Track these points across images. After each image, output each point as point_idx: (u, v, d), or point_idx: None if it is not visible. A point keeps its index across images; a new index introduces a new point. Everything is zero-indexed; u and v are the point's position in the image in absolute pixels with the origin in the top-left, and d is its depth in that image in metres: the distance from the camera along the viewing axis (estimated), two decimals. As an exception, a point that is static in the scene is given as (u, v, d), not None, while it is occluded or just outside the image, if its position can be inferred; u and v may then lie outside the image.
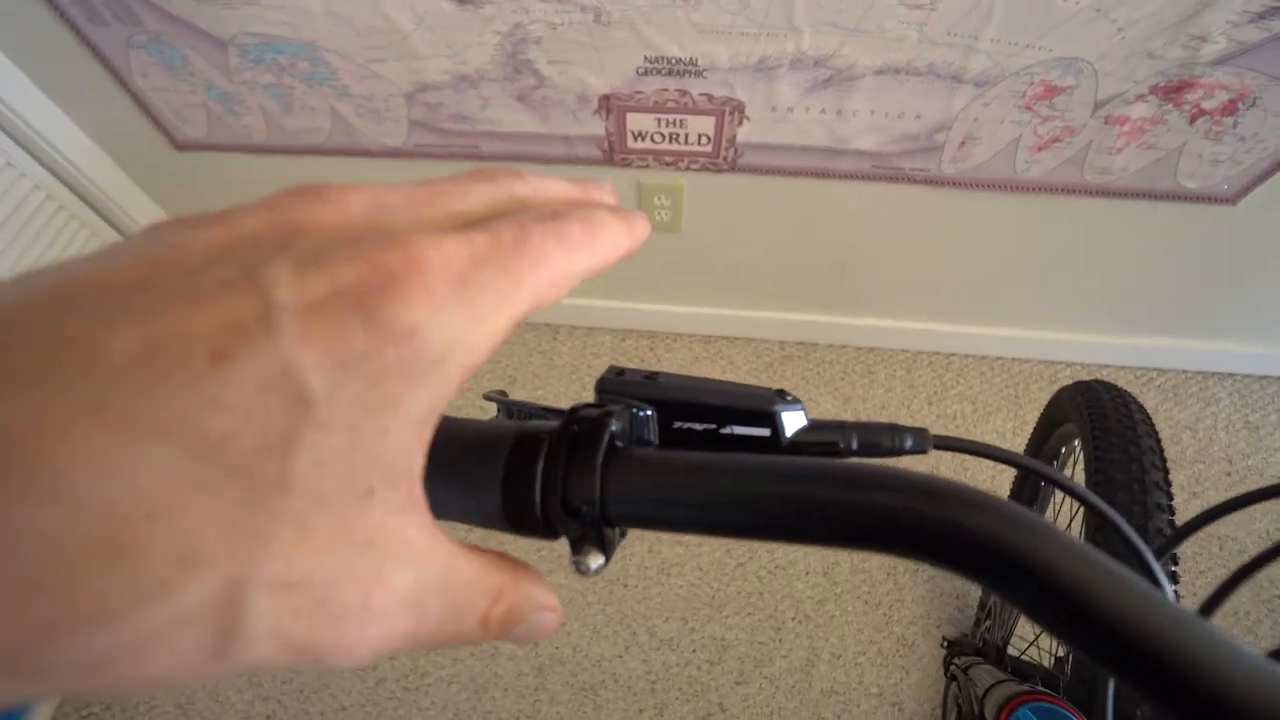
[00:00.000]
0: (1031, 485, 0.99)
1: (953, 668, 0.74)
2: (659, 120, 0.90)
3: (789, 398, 0.25)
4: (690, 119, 0.90)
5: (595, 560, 0.19)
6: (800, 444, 0.24)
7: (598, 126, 0.92)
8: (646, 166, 0.98)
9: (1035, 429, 0.98)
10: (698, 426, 0.24)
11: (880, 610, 1.10)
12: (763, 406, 0.24)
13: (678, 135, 0.92)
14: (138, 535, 0.10)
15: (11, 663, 0.10)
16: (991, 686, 0.56)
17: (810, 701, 1.04)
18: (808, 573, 1.13)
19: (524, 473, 0.19)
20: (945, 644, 0.97)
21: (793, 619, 1.10)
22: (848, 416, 1.33)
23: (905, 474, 0.17)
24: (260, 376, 0.11)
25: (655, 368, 1.30)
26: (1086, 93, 0.78)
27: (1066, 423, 0.84)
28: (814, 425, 0.25)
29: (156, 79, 0.93)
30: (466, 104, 0.91)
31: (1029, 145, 0.87)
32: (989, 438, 1.23)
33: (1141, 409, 0.65)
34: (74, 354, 0.10)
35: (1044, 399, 1.30)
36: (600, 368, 1.45)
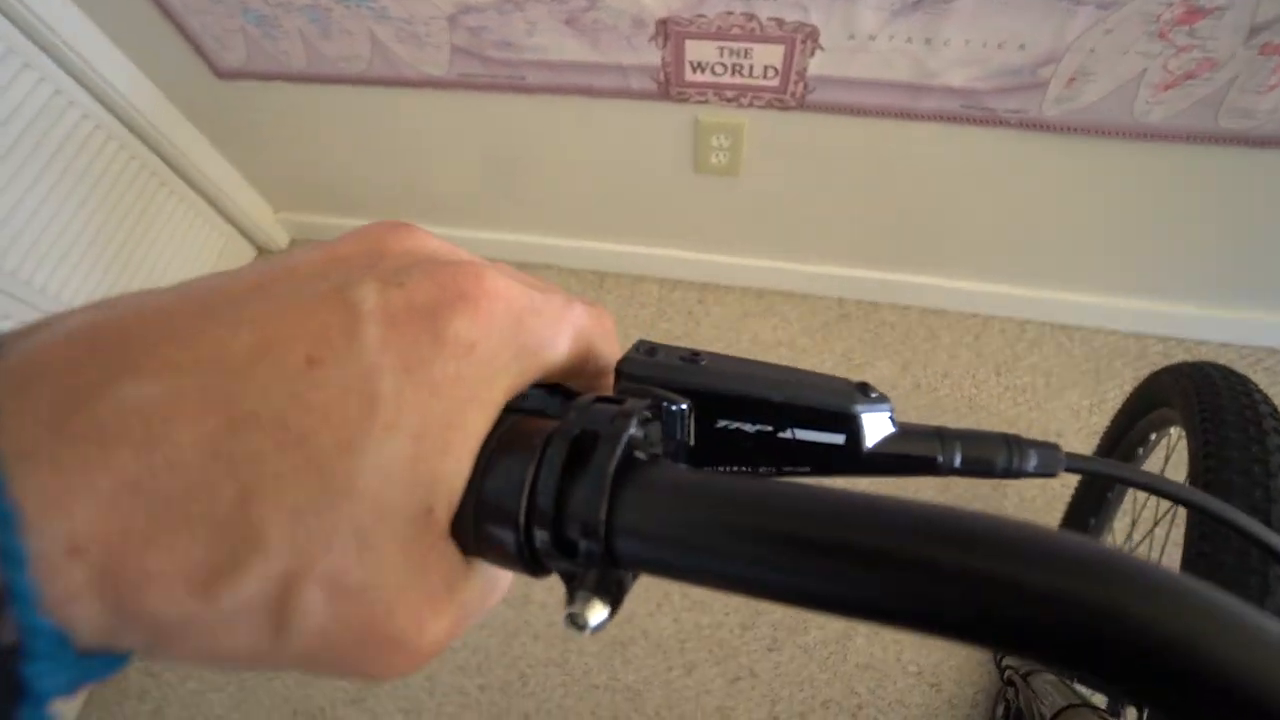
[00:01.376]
0: (1098, 486, 0.90)
1: (1008, 671, 0.69)
2: (721, 49, 0.81)
3: (873, 393, 0.18)
4: (756, 48, 0.80)
5: (596, 613, 0.13)
6: (884, 455, 0.19)
7: (653, 55, 0.83)
8: (705, 102, 0.89)
9: (1121, 411, 0.88)
10: (748, 427, 0.18)
11: (927, 587, 1.05)
12: (841, 406, 0.18)
13: (741, 66, 0.83)
14: (229, 510, 0.12)
15: (115, 606, 0.11)
16: (1063, 710, 0.50)
17: (844, 675, 1.01)
18: (852, 544, 1.08)
19: (504, 488, 0.14)
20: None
21: (832, 589, 1.06)
22: (905, 383, 1.25)
23: (1094, 549, 0.11)
24: (343, 379, 0.13)
25: (703, 321, 1.24)
26: (1242, 14, 0.65)
27: (1163, 408, 0.75)
28: (904, 432, 0.19)
29: (193, 0, 0.89)
30: (512, 28, 0.84)
31: (1155, 82, 0.74)
32: (1061, 414, 1.13)
33: (1268, 400, 0.56)
34: (203, 349, 0.12)
35: (1128, 375, 1.18)
36: (646, 319, 1.39)
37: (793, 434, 0.18)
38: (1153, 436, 0.80)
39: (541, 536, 0.14)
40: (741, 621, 1.05)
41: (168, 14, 0.92)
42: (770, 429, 0.18)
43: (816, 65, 0.81)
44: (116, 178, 1.06)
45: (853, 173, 0.98)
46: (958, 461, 0.19)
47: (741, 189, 1.04)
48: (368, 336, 0.13)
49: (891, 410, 0.19)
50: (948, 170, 0.94)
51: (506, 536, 0.14)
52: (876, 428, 0.18)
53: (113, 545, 0.11)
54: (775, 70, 0.83)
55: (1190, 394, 0.62)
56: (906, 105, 0.84)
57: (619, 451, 0.14)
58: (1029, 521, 0.12)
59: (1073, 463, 0.19)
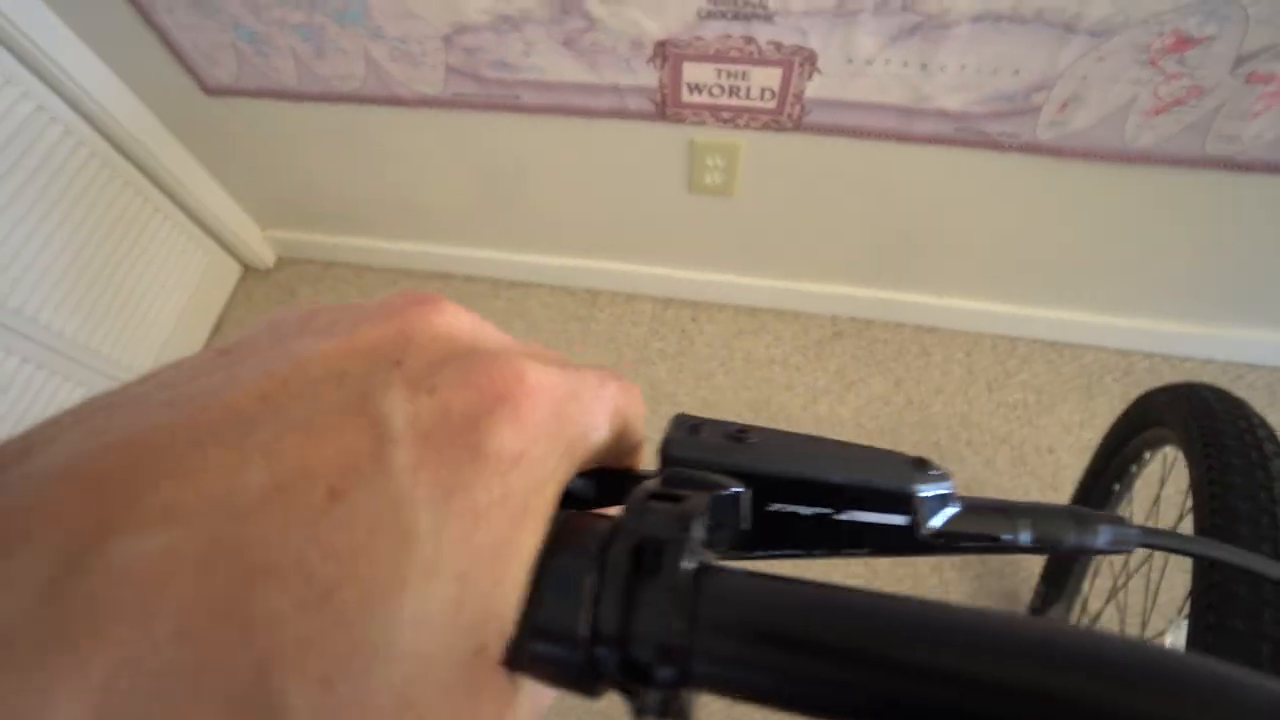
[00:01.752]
0: (1098, 495, 0.90)
1: None
2: (719, 71, 0.82)
3: (933, 470, 0.17)
4: (754, 70, 0.81)
5: None
6: (948, 535, 0.18)
7: (651, 77, 0.84)
8: (701, 123, 0.89)
9: (1113, 429, 0.89)
10: (804, 510, 0.17)
11: (924, 606, 1.05)
12: (900, 486, 0.17)
13: (738, 89, 0.83)
14: (251, 687, 0.10)
15: None
16: None
17: None
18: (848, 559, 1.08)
19: (561, 607, 0.12)
20: None
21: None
22: (898, 399, 1.25)
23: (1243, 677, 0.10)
24: (372, 516, 0.11)
25: (696, 340, 1.23)
26: (1228, 45, 0.67)
27: (1157, 427, 0.76)
28: (969, 508, 0.18)
29: (182, 15, 0.88)
30: (508, 48, 0.83)
31: (1145, 108, 0.76)
32: (1053, 430, 1.14)
33: (1265, 424, 0.57)
34: (209, 487, 0.10)
35: (1117, 391, 1.20)
36: (639, 338, 1.38)
37: (852, 516, 0.17)
38: (1147, 455, 0.81)
39: (607, 658, 0.12)
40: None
41: (154, 28, 0.91)
42: (828, 511, 0.17)
43: (813, 88, 0.81)
44: (98, 195, 1.04)
45: (847, 193, 0.98)
46: (1025, 539, 0.18)
47: (736, 209, 1.04)
48: (398, 460, 0.11)
49: (952, 487, 0.18)
50: (940, 191, 0.95)
51: (566, 658, 0.13)
52: (938, 507, 0.17)
53: None
54: (772, 93, 0.83)
55: (1187, 418, 0.62)
56: (901, 128, 0.85)
57: (684, 564, 0.12)
58: (1145, 643, 0.11)
59: (1149, 539, 0.19)
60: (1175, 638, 0.59)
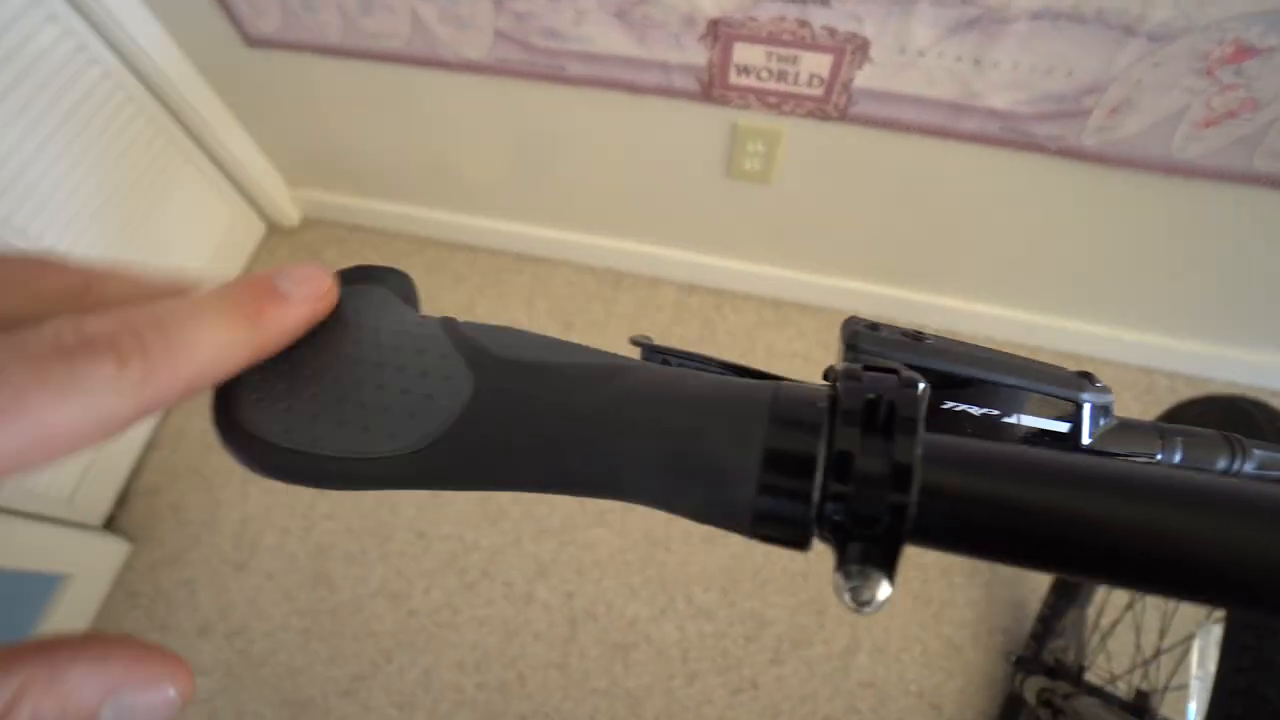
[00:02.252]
0: None
1: (1045, 693, 0.68)
2: (769, 54, 0.81)
3: (1098, 384, 0.18)
4: (805, 55, 0.80)
5: (883, 589, 0.13)
6: (1105, 451, 0.18)
7: (700, 55, 0.83)
8: (746, 106, 0.89)
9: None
10: (974, 410, 0.18)
11: (930, 609, 1.05)
12: (1069, 393, 0.17)
13: (787, 73, 0.83)
14: None
15: None
16: None
17: (846, 691, 1.01)
18: (858, 559, 1.08)
19: (796, 463, 0.13)
20: (1015, 660, 0.91)
21: (836, 604, 1.05)
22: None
23: None
24: None
25: (719, 328, 1.24)
26: (1292, 58, 0.66)
27: (1186, 438, 0.76)
28: (1124, 425, 0.19)
29: (233, -38, 0.87)
30: (559, 16, 0.83)
31: (1195, 119, 0.75)
32: (1069, 442, 1.14)
33: (1308, 436, 0.57)
34: None
35: (1135, 408, 1.20)
36: (662, 322, 1.38)
37: (1018, 419, 0.17)
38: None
39: (831, 511, 0.13)
40: (746, 633, 1.04)
41: (203, -24, 0.90)
42: (995, 412, 0.17)
43: (863, 78, 0.81)
44: (132, 141, 1.03)
45: (883, 188, 0.98)
46: (1177, 458, 0.18)
47: (771, 197, 1.04)
48: None
49: (1113, 402, 0.18)
50: (977, 192, 0.95)
51: (795, 512, 0.13)
52: (1099, 419, 0.18)
53: None
54: (821, 80, 0.83)
55: (1226, 428, 0.62)
56: (946, 124, 0.85)
57: (921, 419, 0.13)
58: None
59: None
60: (1204, 640, 0.59)
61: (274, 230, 1.37)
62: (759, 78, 0.84)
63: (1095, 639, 0.82)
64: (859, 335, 0.17)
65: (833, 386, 0.14)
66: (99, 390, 0.11)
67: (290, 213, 1.33)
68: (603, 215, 1.18)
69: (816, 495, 0.13)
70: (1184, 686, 0.70)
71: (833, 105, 0.86)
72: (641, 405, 0.14)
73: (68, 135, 0.93)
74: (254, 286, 0.14)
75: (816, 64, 0.81)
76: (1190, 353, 1.13)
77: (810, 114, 0.88)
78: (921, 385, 0.13)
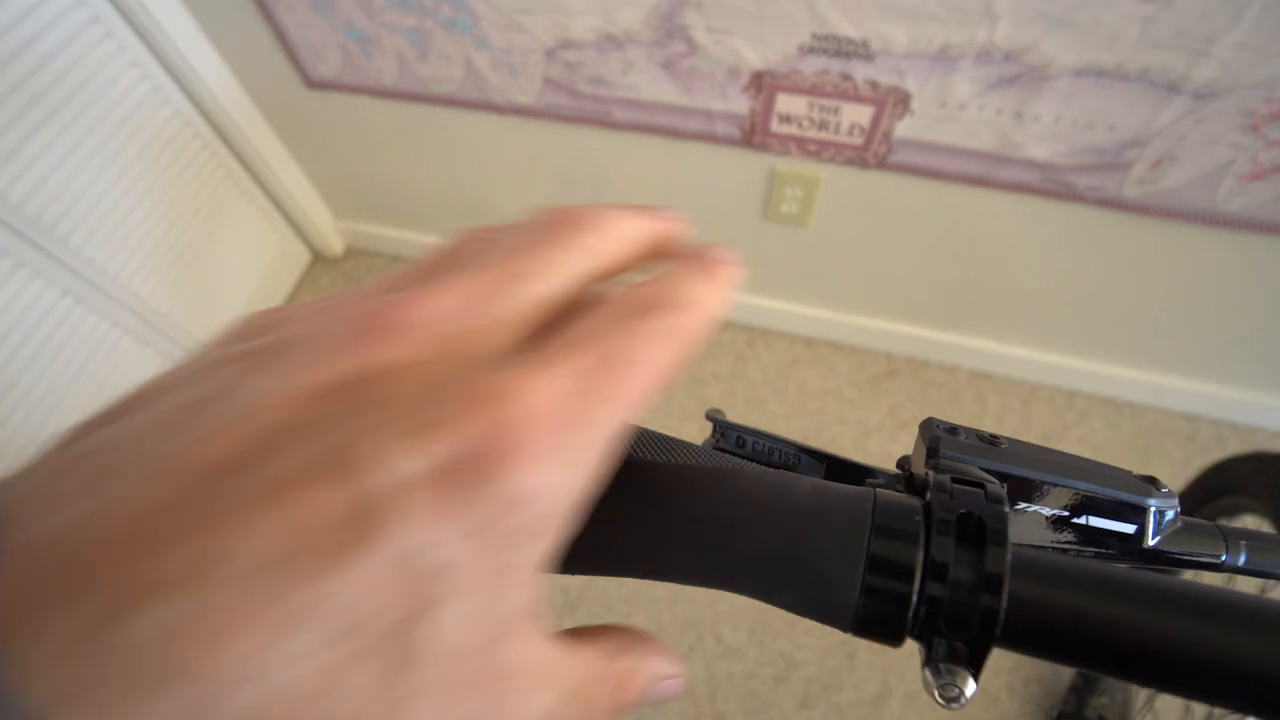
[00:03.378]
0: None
1: None
2: (811, 104, 0.83)
3: (1163, 489, 0.19)
4: (846, 106, 0.82)
5: (969, 685, 0.14)
6: (1168, 552, 0.19)
7: (743, 104, 0.86)
8: (786, 153, 0.91)
9: (1187, 492, 0.87)
10: (1045, 511, 0.19)
11: (965, 656, 1.03)
12: (1135, 497, 0.18)
13: (828, 123, 0.85)
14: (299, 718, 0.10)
15: None
16: None
17: (877, 738, 0.99)
18: (890, 603, 1.06)
19: (897, 570, 0.14)
20: (1056, 717, 0.88)
21: (867, 649, 1.04)
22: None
23: None
24: (387, 561, 0.11)
25: (751, 365, 1.25)
26: (1341, 120, 0.67)
27: (1238, 495, 0.74)
28: (1187, 526, 0.19)
29: (301, 13, 0.92)
30: (608, 66, 0.86)
31: (1240, 173, 0.76)
32: (1108, 489, 1.12)
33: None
34: (201, 555, 0.10)
35: (1178, 456, 1.17)
36: (695, 358, 1.39)
37: (1086, 520, 0.18)
38: (1222, 522, 0.79)
39: (925, 612, 0.14)
40: (775, 674, 1.03)
41: (272, 23, 0.95)
42: (1065, 513, 0.18)
43: (903, 129, 0.83)
44: (195, 174, 1.09)
45: (920, 234, 0.99)
46: (1242, 561, 0.19)
47: (807, 239, 1.05)
48: (401, 511, 0.11)
49: (1178, 506, 0.19)
50: (1016, 239, 0.95)
51: (895, 613, 0.14)
52: (1164, 521, 0.19)
53: None
54: (861, 129, 0.84)
55: (1277, 487, 0.61)
56: (985, 174, 0.86)
57: (1009, 533, 0.14)
58: None
59: None
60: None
61: (318, 259, 1.41)
62: (800, 126, 0.86)
63: (1141, 698, 0.80)
64: (939, 440, 0.18)
65: (924, 498, 0.16)
66: (676, 338, 0.13)
67: (335, 243, 1.38)
68: (639, 251, 1.20)
69: (914, 599, 0.14)
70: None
71: (872, 154, 0.87)
72: (754, 509, 0.16)
73: (138, 170, 0.99)
74: (720, 273, 0.16)
75: (858, 114, 0.83)
76: (1236, 400, 1.11)
77: (849, 161, 0.89)
78: (1006, 504, 0.15)
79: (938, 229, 0.97)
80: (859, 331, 1.21)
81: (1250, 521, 0.74)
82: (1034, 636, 0.14)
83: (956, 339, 1.17)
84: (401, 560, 0.11)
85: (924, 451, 0.18)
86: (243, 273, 1.24)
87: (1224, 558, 0.19)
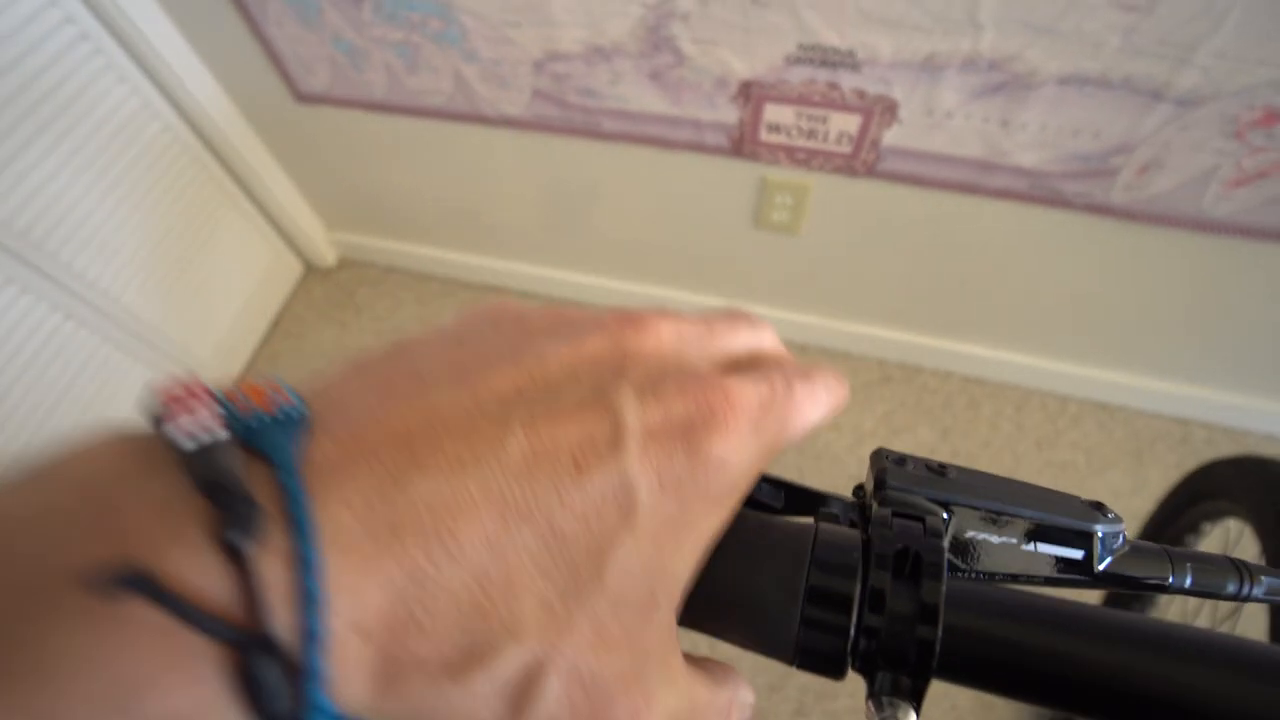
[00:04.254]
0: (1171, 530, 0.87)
1: None
2: (799, 114, 0.84)
3: (1110, 514, 0.19)
4: (834, 115, 0.83)
5: (909, 717, 0.15)
6: (1115, 575, 0.19)
7: (731, 114, 0.86)
8: (775, 162, 0.91)
9: (1171, 495, 0.87)
10: (994, 539, 0.19)
11: (961, 663, 1.02)
12: (1082, 524, 0.19)
13: (816, 132, 0.85)
14: (495, 599, 0.13)
15: (383, 685, 0.12)
16: None
17: (874, 748, 0.98)
18: (885, 611, 1.06)
19: (833, 602, 0.15)
20: None
21: (864, 657, 1.03)
22: (945, 450, 1.24)
23: None
24: (605, 487, 0.14)
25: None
26: (1323, 126, 0.67)
27: (1221, 499, 0.74)
28: (1135, 549, 0.19)
29: (290, 28, 0.92)
30: (595, 77, 0.86)
31: (1225, 179, 0.76)
32: (1102, 494, 1.12)
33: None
34: (481, 448, 0.13)
35: (1171, 460, 1.18)
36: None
37: (1035, 547, 0.18)
38: (1205, 526, 0.79)
39: (863, 647, 0.15)
40: (770, 683, 1.02)
41: (260, 37, 0.96)
42: (1013, 541, 0.18)
43: (891, 137, 0.83)
44: (184, 188, 1.09)
45: (910, 240, 0.99)
46: (1188, 583, 0.19)
47: (798, 247, 1.05)
48: (629, 449, 0.14)
49: (1124, 531, 0.19)
50: (1005, 245, 0.96)
51: (832, 646, 0.15)
52: (1111, 546, 0.19)
53: (392, 628, 0.12)
54: (850, 138, 0.85)
55: (1258, 492, 0.61)
56: (974, 181, 0.86)
57: (945, 567, 0.15)
58: None
59: None
60: None
61: (311, 270, 1.41)
62: (789, 135, 0.87)
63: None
64: (886, 471, 0.18)
65: (865, 532, 0.16)
66: (821, 405, 0.18)
67: (327, 254, 1.38)
68: (631, 262, 1.21)
69: (852, 631, 0.15)
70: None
71: (860, 162, 0.88)
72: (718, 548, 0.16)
73: (128, 185, 0.99)
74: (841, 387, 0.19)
75: (845, 123, 0.83)
76: (1227, 404, 1.11)
77: (838, 170, 0.90)
78: (945, 539, 0.15)
79: (927, 235, 0.97)
80: (851, 338, 1.21)
81: (1233, 524, 0.74)
82: (972, 668, 0.15)
83: (949, 345, 1.17)
84: (620, 487, 0.13)
85: (872, 482, 0.18)
86: (235, 285, 1.24)
87: (1170, 579, 0.19)
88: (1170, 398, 1.13)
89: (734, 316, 0.19)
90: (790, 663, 0.15)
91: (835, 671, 0.15)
